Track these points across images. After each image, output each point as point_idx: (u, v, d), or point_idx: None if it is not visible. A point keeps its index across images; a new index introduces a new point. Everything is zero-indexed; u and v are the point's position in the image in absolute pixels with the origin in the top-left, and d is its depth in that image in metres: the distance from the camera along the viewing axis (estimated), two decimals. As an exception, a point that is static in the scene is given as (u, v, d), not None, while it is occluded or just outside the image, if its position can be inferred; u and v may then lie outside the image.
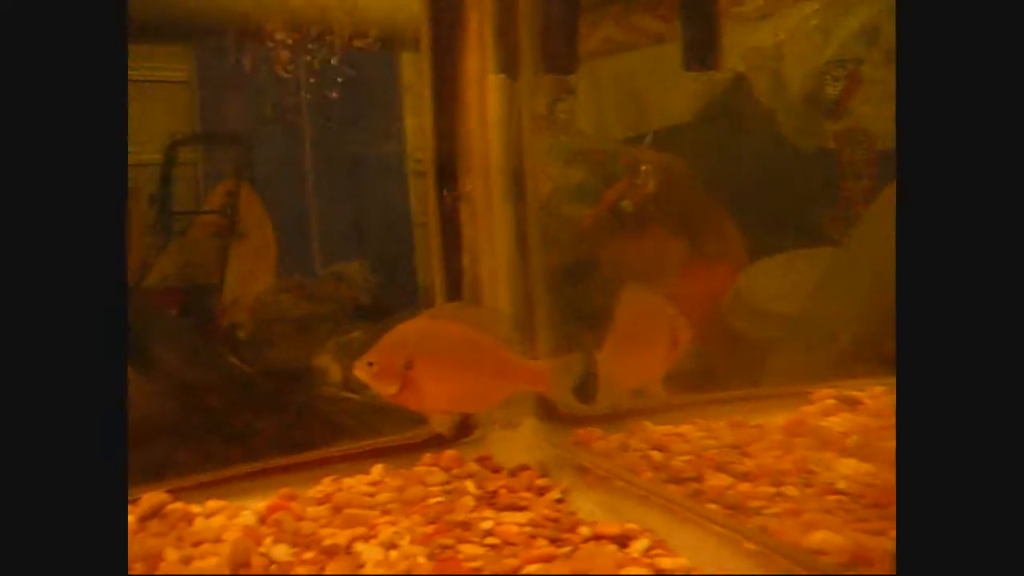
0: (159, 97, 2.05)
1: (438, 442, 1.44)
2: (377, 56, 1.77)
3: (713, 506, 1.13)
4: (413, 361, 1.19)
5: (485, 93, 1.39)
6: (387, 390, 1.19)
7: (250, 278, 2.03)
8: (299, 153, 2.10)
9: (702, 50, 1.44)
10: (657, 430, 1.40)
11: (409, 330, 1.22)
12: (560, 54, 1.34)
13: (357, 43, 1.67)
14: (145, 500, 1.28)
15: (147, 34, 1.90)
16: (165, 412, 1.73)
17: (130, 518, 1.25)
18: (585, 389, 1.27)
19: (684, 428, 1.40)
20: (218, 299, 1.95)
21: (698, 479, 1.22)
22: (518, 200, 1.42)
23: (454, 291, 1.46)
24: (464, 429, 1.46)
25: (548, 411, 1.43)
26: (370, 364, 1.19)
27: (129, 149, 2.06)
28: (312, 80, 1.77)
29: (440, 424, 1.30)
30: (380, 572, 1.04)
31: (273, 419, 1.71)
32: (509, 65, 1.39)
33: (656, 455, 1.31)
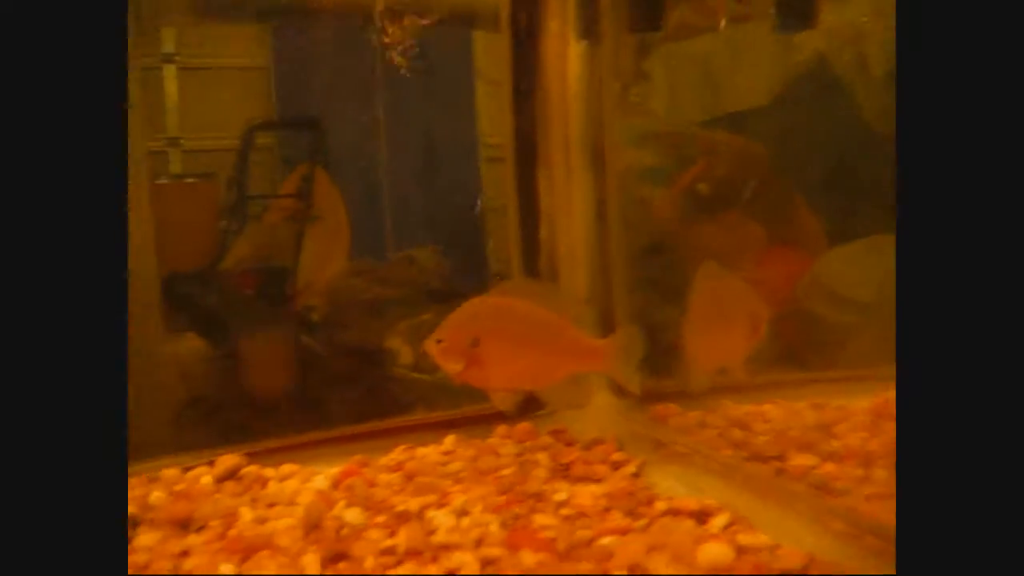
0: (238, 83, 2.07)
1: (513, 415, 1.42)
2: (450, 38, 1.76)
3: (798, 485, 1.10)
4: (479, 339, 1.18)
5: (565, 62, 1.37)
6: (454, 367, 1.20)
7: (324, 261, 2.04)
8: (373, 137, 2.11)
9: (800, 3, 1.39)
10: (737, 409, 1.37)
11: (476, 308, 1.21)
12: (645, 10, 1.30)
13: (424, 21, 1.66)
14: (221, 462, 1.29)
15: (225, 14, 1.92)
16: (234, 385, 1.75)
17: (206, 479, 1.26)
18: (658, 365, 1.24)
19: (765, 407, 1.37)
20: (292, 282, 1.97)
21: (781, 458, 1.18)
22: (598, 171, 1.39)
23: (531, 264, 1.44)
24: (538, 403, 1.44)
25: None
26: (439, 341, 1.19)
27: (209, 135, 2.10)
28: (387, 61, 1.77)
29: (502, 402, 1.28)
30: (452, 539, 1.02)
31: (345, 394, 1.71)
32: (590, 31, 1.37)
33: (737, 433, 1.28)
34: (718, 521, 1.04)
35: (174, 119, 2.06)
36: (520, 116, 1.41)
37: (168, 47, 2.03)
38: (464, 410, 1.42)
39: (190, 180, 2.09)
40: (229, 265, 2.00)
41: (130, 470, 1.27)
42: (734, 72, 2.15)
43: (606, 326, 1.41)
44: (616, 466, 1.25)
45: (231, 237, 2.04)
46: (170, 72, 2.04)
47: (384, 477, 1.25)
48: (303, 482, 1.24)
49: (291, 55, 2.02)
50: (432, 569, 0.97)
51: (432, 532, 1.05)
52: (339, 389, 1.72)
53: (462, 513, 1.12)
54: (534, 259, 1.45)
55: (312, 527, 1.08)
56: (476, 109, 2.02)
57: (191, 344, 1.80)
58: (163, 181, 2.03)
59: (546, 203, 1.42)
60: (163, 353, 1.60)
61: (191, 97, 2.04)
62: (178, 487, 1.24)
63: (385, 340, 1.88)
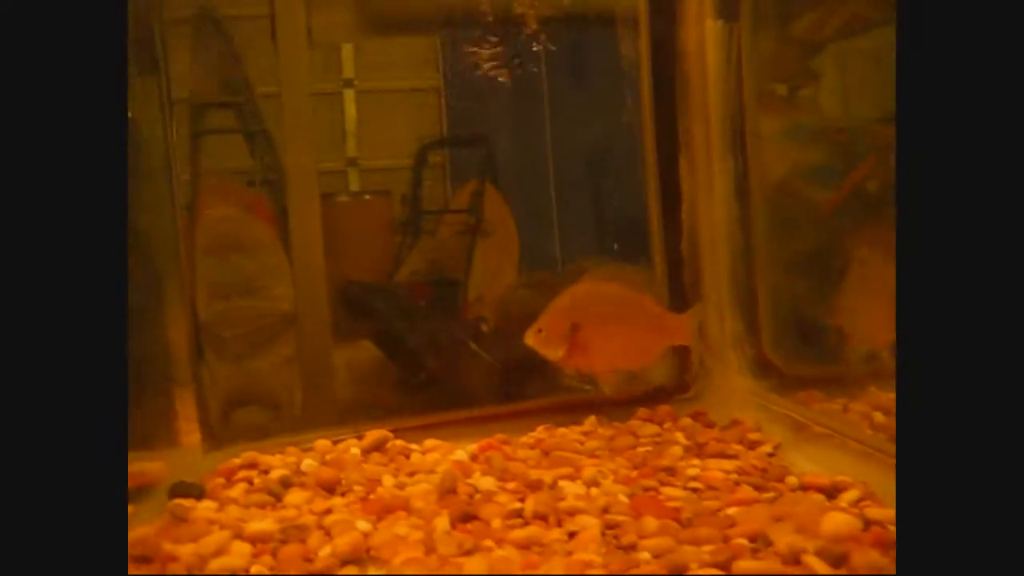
0: (411, 104, 2.16)
1: (655, 399, 1.43)
2: (598, 42, 1.77)
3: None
4: (578, 324, 1.23)
5: (704, 45, 1.37)
6: (555, 354, 1.25)
7: (494, 274, 2.09)
8: (540, 149, 2.15)
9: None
10: (882, 395, 1.32)
11: (573, 295, 1.27)
12: None
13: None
14: (369, 435, 1.35)
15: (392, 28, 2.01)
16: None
17: (353, 451, 1.32)
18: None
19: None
20: (464, 294, 2.03)
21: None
22: (739, 153, 1.38)
23: (672, 247, 1.44)
24: (682, 385, 1.44)
25: (765, 371, 1.39)
26: (539, 331, 1.25)
27: (384, 154, 2.20)
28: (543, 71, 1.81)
29: (608, 385, 1.31)
30: (579, 505, 1.04)
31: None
32: (728, 10, 1.36)
33: (879, 416, 1.24)
34: (849, 495, 1.02)
35: (352, 141, 2.17)
36: (660, 102, 1.41)
37: (348, 72, 2.15)
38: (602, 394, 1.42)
39: (367, 197, 2.19)
40: (403, 277, 2.09)
41: (286, 441, 1.36)
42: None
43: (747, 308, 1.39)
44: (752, 445, 1.24)
45: (406, 251, 2.13)
46: (349, 96, 2.16)
47: (523, 453, 1.28)
48: (444, 455, 1.29)
49: (459, 75, 2.09)
50: (555, 533, 0.99)
51: (561, 499, 1.07)
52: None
53: (592, 483, 1.14)
54: (675, 242, 1.45)
55: (446, 492, 1.12)
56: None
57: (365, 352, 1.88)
58: (343, 199, 2.15)
59: (687, 186, 1.42)
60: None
61: (368, 119, 2.15)
62: (329, 456, 1.31)
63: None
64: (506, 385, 1.73)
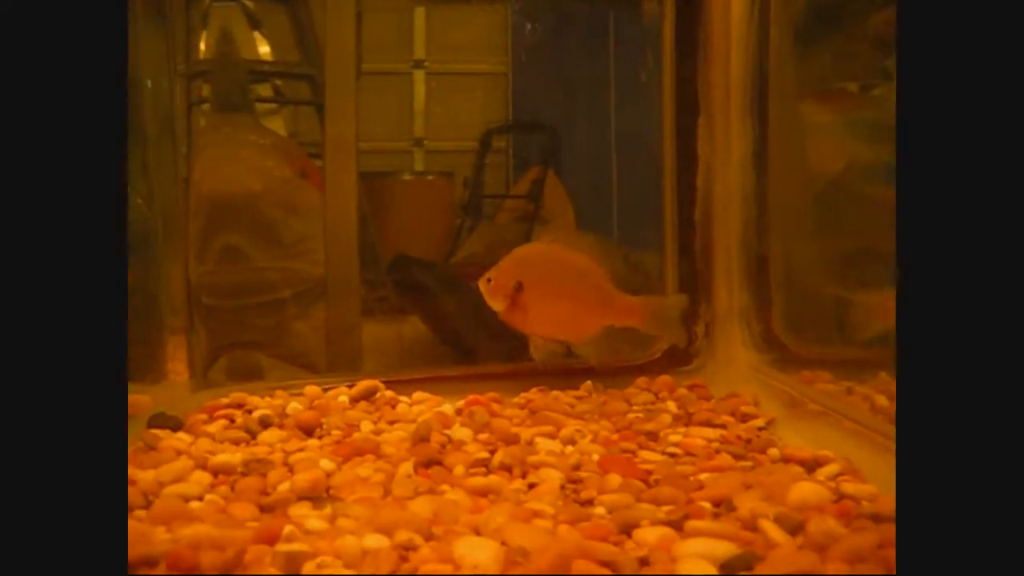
0: (479, 88, 2.16)
1: (657, 368, 1.39)
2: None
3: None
4: (523, 283, 1.20)
5: (729, 10, 1.32)
6: (497, 306, 1.22)
7: None
8: (604, 139, 2.12)
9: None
10: (893, 382, 1.26)
11: (525, 253, 1.24)
12: None
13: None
14: (360, 384, 1.34)
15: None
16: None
17: (341, 398, 1.30)
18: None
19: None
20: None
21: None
22: (759, 119, 1.33)
23: (686, 212, 1.40)
24: (685, 357, 1.40)
25: (771, 347, 1.33)
26: (488, 280, 1.22)
27: (450, 137, 2.19)
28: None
29: (537, 350, 1.26)
30: (549, 460, 1.01)
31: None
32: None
33: (882, 399, 1.18)
34: (828, 470, 0.97)
35: (420, 121, 2.17)
36: (681, 64, 1.36)
37: (419, 54, 2.14)
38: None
39: (430, 177, 2.19)
40: (460, 259, 2.08)
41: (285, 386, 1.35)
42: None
43: (755, 275, 1.34)
44: (744, 418, 1.20)
45: (465, 233, 2.13)
46: (419, 77, 2.16)
47: (510, 411, 1.26)
48: (430, 407, 1.27)
49: (528, 62, 2.08)
50: (516, 484, 0.96)
51: (533, 454, 1.04)
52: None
53: (569, 442, 1.10)
54: (690, 207, 1.40)
55: (419, 439, 1.10)
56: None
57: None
58: (407, 177, 2.15)
59: (704, 151, 1.37)
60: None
61: (436, 101, 2.15)
62: (317, 401, 1.29)
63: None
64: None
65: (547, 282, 1.21)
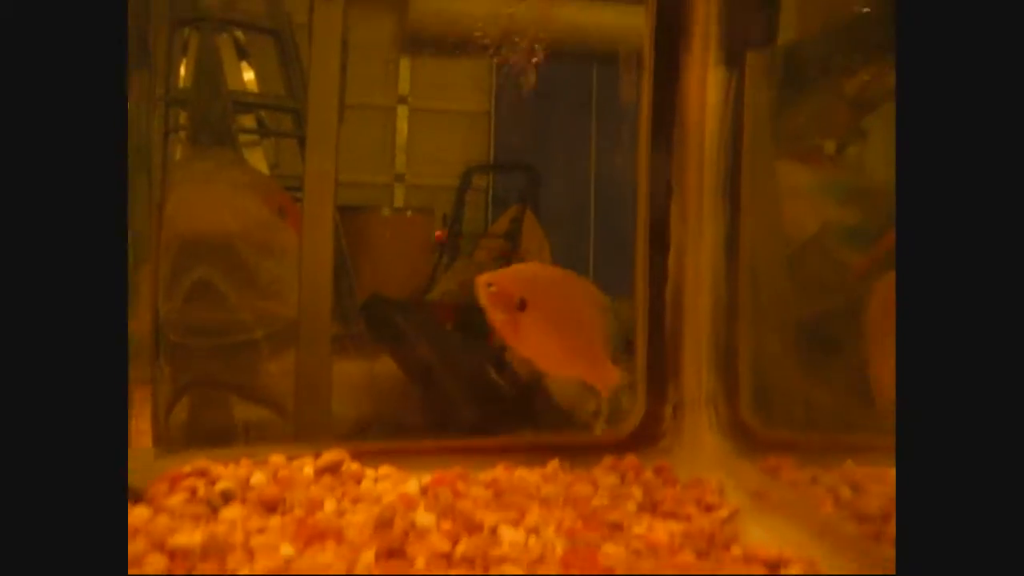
0: (461, 125, 2.17)
1: (623, 447, 1.39)
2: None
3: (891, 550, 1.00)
4: (526, 302, 1.15)
5: (704, 91, 1.33)
6: (494, 316, 1.16)
7: None
8: (583, 180, 2.14)
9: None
10: (858, 470, 1.27)
11: (538, 273, 1.20)
12: (754, 25, 1.24)
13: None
14: (326, 456, 1.32)
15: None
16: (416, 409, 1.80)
17: (306, 470, 1.29)
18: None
19: (888, 470, 1.26)
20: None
21: (885, 519, 1.09)
22: (732, 199, 1.34)
23: (656, 292, 1.40)
24: (653, 437, 1.40)
25: (738, 432, 1.34)
26: (489, 285, 1.15)
27: (431, 173, 2.20)
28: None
29: (520, 365, 1.24)
30: (511, 553, 1.00)
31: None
32: (731, 58, 1.33)
33: (846, 492, 1.19)
34: (790, 570, 0.97)
35: (402, 156, 2.18)
36: (656, 147, 1.38)
37: (403, 89, 2.16)
38: (574, 437, 1.39)
39: (409, 213, 2.19)
40: (435, 297, 2.08)
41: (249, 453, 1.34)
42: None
43: (723, 359, 1.35)
44: (709, 508, 1.19)
45: (441, 271, 2.13)
46: (403, 112, 2.17)
47: (476, 491, 1.25)
48: (395, 484, 1.26)
49: (510, 101, 2.09)
50: (478, 578, 0.95)
51: (495, 545, 1.03)
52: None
53: (533, 532, 1.10)
54: (660, 287, 1.40)
55: (382, 525, 1.09)
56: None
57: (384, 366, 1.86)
58: (386, 212, 2.15)
59: (677, 232, 1.38)
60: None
61: (418, 136, 2.16)
62: (282, 472, 1.28)
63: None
64: (517, 414, 1.70)
65: (551, 313, 1.17)
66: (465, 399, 1.78)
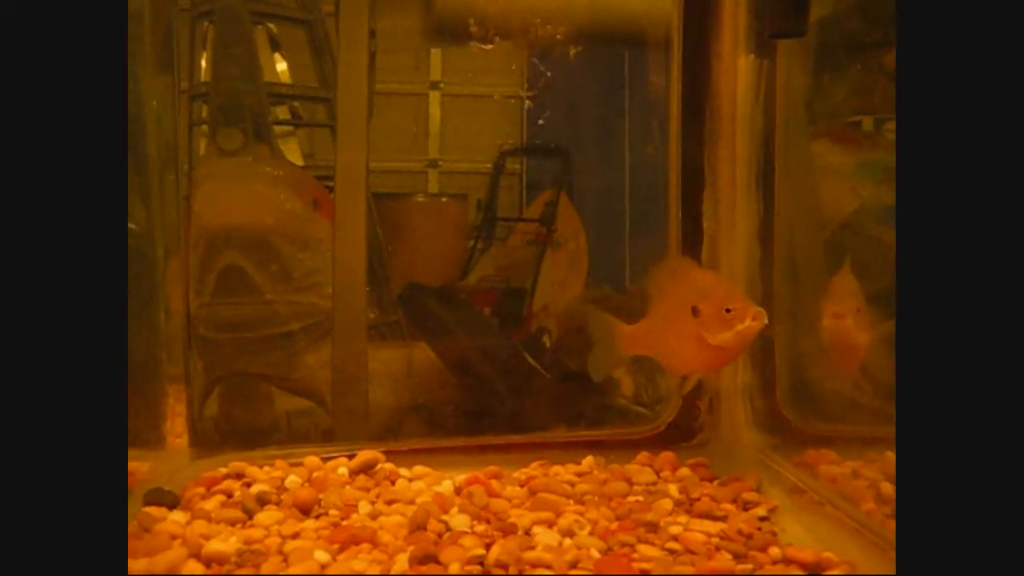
0: (494, 111, 2.16)
1: (660, 442, 1.37)
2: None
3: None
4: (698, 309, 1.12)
5: (735, 79, 1.30)
6: (715, 339, 1.11)
7: (561, 286, 2.07)
8: (618, 165, 2.12)
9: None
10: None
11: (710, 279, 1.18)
12: (786, 14, 1.20)
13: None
14: (360, 456, 1.32)
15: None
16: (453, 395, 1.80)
17: (340, 470, 1.29)
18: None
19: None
20: (529, 303, 2.01)
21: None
22: (765, 193, 1.32)
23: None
24: (688, 433, 1.38)
25: (776, 426, 1.32)
26: (727, 310, 1.10)
27: (464, 159, 2.19)
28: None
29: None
30: (545, 557, 0.99)
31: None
32: (761, 46, 1.30)
33: (887, 487, 1.16)
34: (831, 572, 0.95)
35: (435, 142, 2.18)
36: (687, 137, 1.35)
37: (435, 75, 2.15)
38: (609, 433, 1.37)
39: (444, 199, 2.19)
40: (472, 282, 2.07)
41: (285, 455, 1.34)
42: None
43: (762, 358, 1.33)
44: (746, 506, 1.18)
45: (477, 256, 2.12)
46: (435, 98, 2.16)
47: (511, 490, 1.24)
48: (429, 485, 1.25)
49: (543, 85, 2.08)
50: (513, 584, 0.95)
51: (530, 548, 1.02)
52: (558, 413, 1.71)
53: (568, 533, 1.09)
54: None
55: (417, 527, 1.08)
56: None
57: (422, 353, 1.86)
58: (420, 199, 2.15)
59: (709, 225, 1.36)
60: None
61: (451, 122, 2.16)
62: (316, 473, 1.28)
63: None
64: (558, 405, 1.70)
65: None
66: (504, 386, 1.77)
